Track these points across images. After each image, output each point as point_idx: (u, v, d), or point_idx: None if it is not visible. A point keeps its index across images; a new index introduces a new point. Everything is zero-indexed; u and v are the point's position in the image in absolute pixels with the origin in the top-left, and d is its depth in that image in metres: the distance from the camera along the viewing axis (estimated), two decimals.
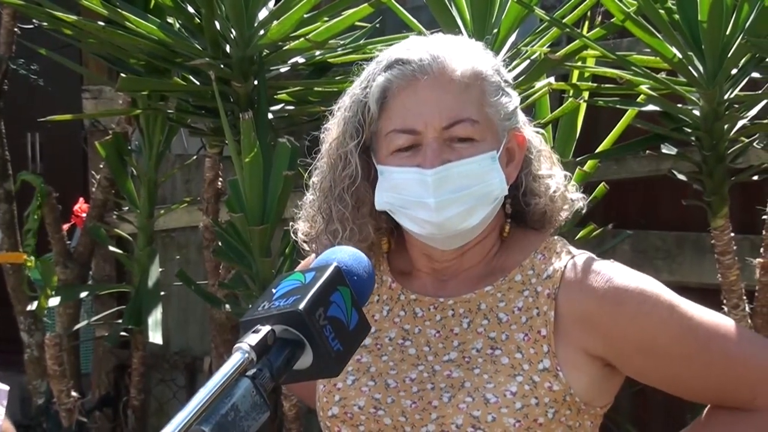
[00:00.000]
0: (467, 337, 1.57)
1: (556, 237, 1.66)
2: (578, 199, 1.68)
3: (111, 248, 3.67)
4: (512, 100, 1.60)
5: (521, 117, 1.64)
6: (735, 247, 2.56)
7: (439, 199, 1.52)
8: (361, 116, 1.57)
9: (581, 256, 1.61)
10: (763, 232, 2.55)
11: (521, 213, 1.66)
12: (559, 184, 1.64)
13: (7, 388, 1.89)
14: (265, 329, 1.18)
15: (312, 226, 1.65)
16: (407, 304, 1.63)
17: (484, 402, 1.50)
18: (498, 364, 1.53)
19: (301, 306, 1.20)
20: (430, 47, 1.56)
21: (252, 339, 1.17)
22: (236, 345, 1.16)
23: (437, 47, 1.56)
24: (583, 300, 1.56)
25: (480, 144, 1.54)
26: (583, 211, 1.74)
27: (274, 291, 1.25)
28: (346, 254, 1.33)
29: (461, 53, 1.57)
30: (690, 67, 2.35)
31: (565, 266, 1.58)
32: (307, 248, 1.68)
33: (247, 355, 1.15)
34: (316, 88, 2.92)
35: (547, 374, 1.52)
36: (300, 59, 2.90)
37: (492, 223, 1.61)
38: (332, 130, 1.62)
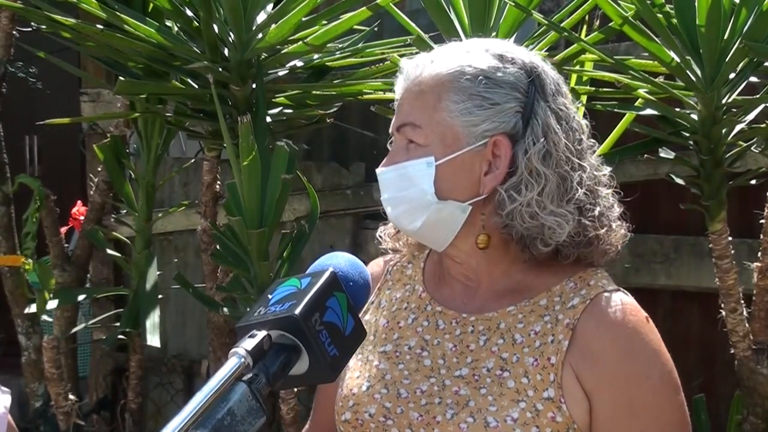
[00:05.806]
0: (481, 354, 1.55)
1: (597, 269, 1.58)
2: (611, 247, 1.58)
3: (109, 251, 3.67)
4: (495, 107, 1.51)
5: (520, 129, 1.51)
6: (733, 251, 2.56)
7: (384, 197, 1.59)
8: None
9: (615, 292, 1.54)
10: (761, 236, 2.55)
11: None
12: (554, 223, 1.51)
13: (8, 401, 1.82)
14: (261, 334, 1.18)
15: None
16: (432, 315, 1.64)
17: (484, 425, 1.48)
18: (504, 386, 1.51)
19: (297, 311, 1.20)
20: (430, 54, 1.59)
21: (248, 344, 1.17)
22: (232, 350, 1.16)
23: (433, 54, 1.59)
24: (597, 335, 1.50)
25: (421, 148, 1.53)
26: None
27: (270, 296, 1.25)
28: (342, 260, 1.33)
29: (439, 59, 1.56)
30: (688, 71, 2.34)
31: (593, 298, 1.52)
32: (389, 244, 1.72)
33: (243, 360, 1.15)
34: (314, 92, 2.91)
35: (551, 404, 1.48)
36: (298, 63, 2.90)
37: (469, 232, 1.55)
38: None
